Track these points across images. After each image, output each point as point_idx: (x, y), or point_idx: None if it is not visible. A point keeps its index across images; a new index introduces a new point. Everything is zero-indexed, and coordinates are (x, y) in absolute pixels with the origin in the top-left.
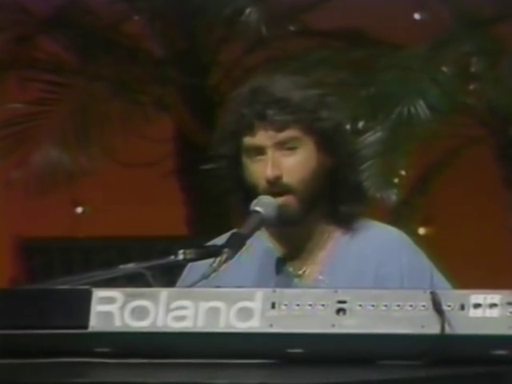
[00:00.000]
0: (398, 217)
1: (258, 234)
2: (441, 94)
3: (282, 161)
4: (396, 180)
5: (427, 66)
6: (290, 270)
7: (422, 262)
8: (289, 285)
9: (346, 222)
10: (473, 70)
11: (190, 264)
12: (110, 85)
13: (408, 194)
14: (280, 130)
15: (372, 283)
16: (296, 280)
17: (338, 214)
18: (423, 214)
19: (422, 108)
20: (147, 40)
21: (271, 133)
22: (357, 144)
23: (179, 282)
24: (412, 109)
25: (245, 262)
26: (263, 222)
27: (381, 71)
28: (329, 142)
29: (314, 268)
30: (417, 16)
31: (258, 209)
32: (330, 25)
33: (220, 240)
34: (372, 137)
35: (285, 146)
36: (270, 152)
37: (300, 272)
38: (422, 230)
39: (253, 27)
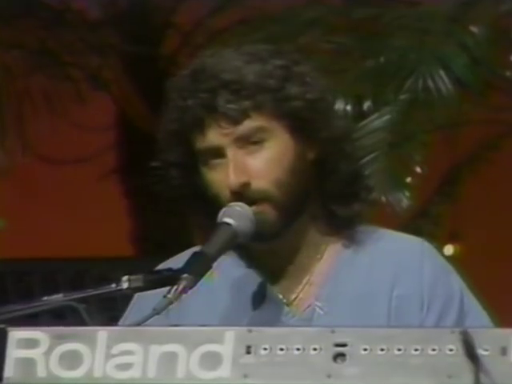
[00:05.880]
0: (414, 231)
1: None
2: (470, 64)
3: (246, 161)
4: (409, 179)
5: (452, 27)
6: (279, 296)
7: (449, 280)
8: (279, 316)
9: (344, 229)
10: None
11: (137, 294)
12: (30, 55)
13: (428, 201)
14: (238, 121)
15: (386, 309)
16: (287, 309)
17: (333, 219)
18: (449, 228)
19: (442, 81)
20: None
21: (227, 127)
22: (348, 124)
23: (122, 320)
24: (429, 81)
25: (214, 291)
26: (236, 238)
27: (390, 35)
28: (305, 125)
29: (308, 291)
30: None
31: (228, 220)
32: None
33: (177, 261)
34: (378, 121)
35: (248, 140)
36: (229, 152)
37: (292, 298)
38: (447, 249)
39: None
